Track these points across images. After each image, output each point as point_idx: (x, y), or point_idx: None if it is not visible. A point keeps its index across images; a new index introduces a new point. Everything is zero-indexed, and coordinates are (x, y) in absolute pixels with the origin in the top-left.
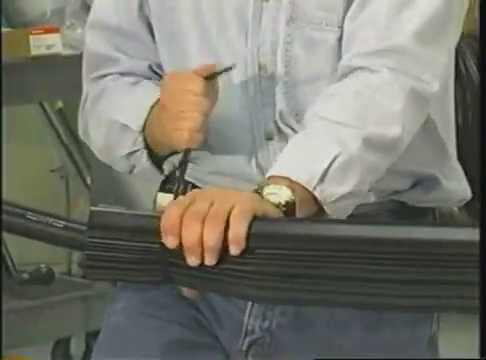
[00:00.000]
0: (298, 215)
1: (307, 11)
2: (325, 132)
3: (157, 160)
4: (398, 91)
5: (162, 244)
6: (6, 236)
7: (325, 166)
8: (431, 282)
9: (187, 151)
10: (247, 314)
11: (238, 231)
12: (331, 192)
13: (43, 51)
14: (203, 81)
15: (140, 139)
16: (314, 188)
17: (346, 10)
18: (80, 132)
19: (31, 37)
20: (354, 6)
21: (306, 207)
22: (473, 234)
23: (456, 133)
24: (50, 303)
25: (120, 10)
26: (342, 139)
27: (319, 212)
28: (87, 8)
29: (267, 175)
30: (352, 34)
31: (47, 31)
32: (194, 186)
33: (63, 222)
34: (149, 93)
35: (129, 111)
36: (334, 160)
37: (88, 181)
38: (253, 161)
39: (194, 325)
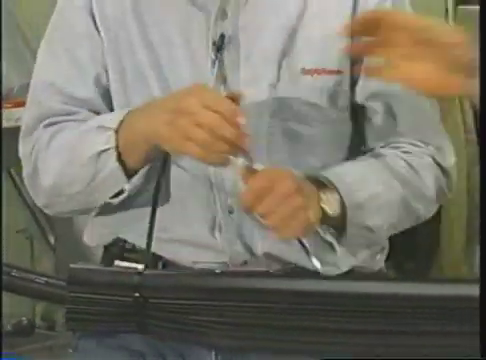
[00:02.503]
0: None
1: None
2: (377, 167)
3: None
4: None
5: (142, 297)
6: None
7: (368, 196)
8: (379, 332)
9: (167, 156)
10: None
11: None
12: (362, 216)
13: (12, 124)
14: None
15: (113, 137)
16: (352, 206)
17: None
18: (26, 180)
19: (4, 111)
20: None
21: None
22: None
23: None
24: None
25: (75, 82)
26: (389, 182)
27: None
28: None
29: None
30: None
31: (15, 105)
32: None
33: (44, 278)
34: (122, 111)
35: (103, 117)
36: (377, 196)
37: (51, 241)
38: (216, 232)
39: None
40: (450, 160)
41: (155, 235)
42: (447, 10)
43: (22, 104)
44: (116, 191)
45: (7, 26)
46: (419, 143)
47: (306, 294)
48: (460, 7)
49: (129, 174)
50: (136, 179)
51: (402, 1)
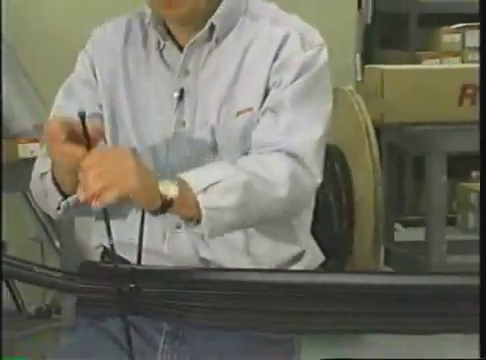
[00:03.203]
0: (175, 212)
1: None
2: (225, 166)
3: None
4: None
5: (136, 287)
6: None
7: (212, 182)
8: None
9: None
10: (158, 351)
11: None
12: (210, 199)
13: (28, 155)
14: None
15: (50, 163)
16: (198, 192)
17: None
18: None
19: (19, 145)
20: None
21: (185, 208)
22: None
23: None
24: (32, 332)
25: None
26: (233, 172)
27: (194, 218)
28: None
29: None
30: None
31: (30, 141)
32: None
33: (59, 273)
34: None
35: None
36: (219, 181)
37: (57, 246)
38: (165, 244)
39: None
40: (313, 170)
41: (120, 241)
42: (355, 68)
43: (36, 141)
44: (57, 205)
45: (7, 59)
46: (282, 150)
47: (270, 284)
48: (367, 66)
49: (65, 194)
50: (70, 199)
51: (314, 57)
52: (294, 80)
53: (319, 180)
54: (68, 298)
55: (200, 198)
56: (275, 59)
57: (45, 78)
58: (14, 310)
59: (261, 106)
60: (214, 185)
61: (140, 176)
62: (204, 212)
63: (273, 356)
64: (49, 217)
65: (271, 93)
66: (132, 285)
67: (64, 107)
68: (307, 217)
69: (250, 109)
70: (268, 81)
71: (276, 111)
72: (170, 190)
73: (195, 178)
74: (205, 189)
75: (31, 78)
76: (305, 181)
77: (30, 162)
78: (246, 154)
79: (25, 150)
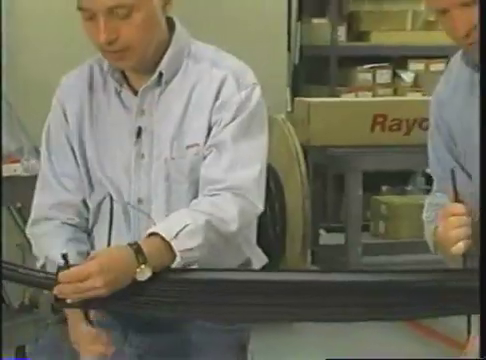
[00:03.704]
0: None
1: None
2: (187, 212)
3: None
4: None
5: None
6: None
7: (179, 228)
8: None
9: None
10: (126, 343)
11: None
12: (181, 243)
13: (11, 173)
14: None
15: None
16: (171, 239)
17: None
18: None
19: (3, 165)
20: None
21: (162, 265)
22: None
23: None
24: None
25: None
26: (194, 216)
27: (171, 260)
28: (36, 149)
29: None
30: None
31: (12, 162)
32: None
33: (42, 273)
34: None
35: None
36: (186, 226)
37: None
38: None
39: None
40: (256, 202)
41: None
42: (286, 100)
43: (17, 161)
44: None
45: None
46: (229, 188)
47: (220, 281)
48: (296, 99)
49: None
50: None
51: (248, 96)
52: (233, 119)
53: (261, 208)
54: (45, 295)
55: (173, 243)
56: (215, 100)
57: (25, 111)
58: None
59: (206, 141)
60: (182, 230)
61: (111, 285)
62: (178, 254)
63: (226, 343)
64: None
65: (213, 131)
66: None
67: (53, 164)
68: (252, 234)
69: (197, 144)
70: (211, 120)
71: (219, 149)
72: (145, 274)
73: (165, 228)
74: (175, 236)
75: (14, 111)
76: (250, 213)
77: (12, 180)
78: (194, 184)
79: (9, 169)
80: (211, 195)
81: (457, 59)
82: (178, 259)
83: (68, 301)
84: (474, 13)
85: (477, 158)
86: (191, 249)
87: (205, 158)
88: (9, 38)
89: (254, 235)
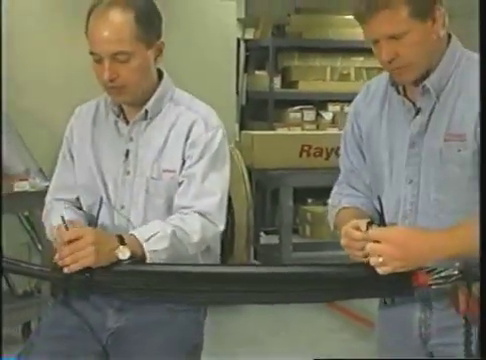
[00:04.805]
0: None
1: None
2: (159, 223)
3: None
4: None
5: (89, 276)
6: None
7: (151, 234)
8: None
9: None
10: (108, 319)
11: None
12: (151, 245)
13: (21, 189)
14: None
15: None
16: (143, 241)
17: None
18: (43, 219)
19: (14, 183)
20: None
21: (135, 253)
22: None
23: None
24: (22, 305)
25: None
26: (164, 227)
27: (141, 256)
28: (41, 170)
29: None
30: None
31: (21, 180)
32: None
33: (37, 267)
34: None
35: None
36: (156, 233)
37: (39, 248)
38: None
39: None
40: (217, 223)
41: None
42: (235, 132)
43: (25, 179)
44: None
45: (7, 127)
46: (196, 212)
47: (181, 272)
48: (243, 132)
49: None
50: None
51: (213, 136)
52: (201, 155)
53: (221, 227)
54: (45, 283)
55: (145, 245)
56: (187, 138)
57: (31, 139)
58: (7, 291)
59: (181, 169)
60: (153, 236)
61: (99, 254)
62: (147, 254)
63: (186, 319)
64: (34, 230)
65: (186, 164)
66: (87, 274)
67: (61, 174)
68: (217, 244)
69: (174, 171)
70: (184, 153)
71: (190, 181)
72: (125, 253)
73: (140, 232)
74: (147, 240)
75: (22, 139)
76: (211, 230)
77: (21, 194)
78: (168, 200)
79: (19, 186)
80: (182, 214)
81: (375, 81)
82: (147, 258)
83: (65, 270)
84: (399, 44)
85: (375, 151)
86: (157, 251)
87: (180, 185)
88: (13, 81)
89: (218, 247)
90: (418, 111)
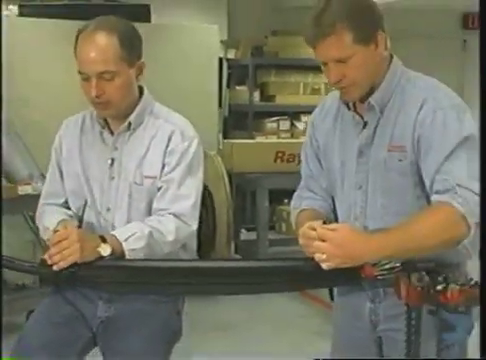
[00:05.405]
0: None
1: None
2: (137, 224)
3: None
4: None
5: (73, 272)
6: None
7: (130, 234)
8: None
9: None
10: (98, 309)
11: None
12: (129, 244)
13: (24, 192)
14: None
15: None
16: (122, 240)
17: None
18: (37, 221)
19: (19, 187)
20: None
21: (115, 252)
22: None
23: None
24: (23, 295)
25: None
26: (142, 227)
27: (121, 253)
28: (42, 175)
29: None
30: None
31: (25, 184)
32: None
33: (29, 263)
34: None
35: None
36: (134, 233)
37: (43, 245)
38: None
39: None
40: (190, 223)
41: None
42: (218, 141)
43: (28, 184)
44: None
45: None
46: (171, 213)
47: (161, 267)
48: (224, 140)
49: None
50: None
51: (189, 146)
52: (178, 162)
53: (194, 227)
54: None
55: (124, 244)
56: (166, 147)
57: (34, 146)
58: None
59: (161, 175)
60: (131, 236)
61: (84, 251)
62: (126, 252)
63: (166, 308)
64: (37, 228)
65: (165, 170)
66: (72, 270)
67: (51, 183)
68: (192, 242)
69: (154, 177)
70: (163, 161)
71: (168, 186)
72: (106, 250)
73: (120, 233)
74: (126, 239)
75: (26, 147)
76: (184, 230)
77: (25, 196)
78: (149, 203)
79: (22, 189)
80: (159, 216)
81: (330, 97)
82: (126, 255)
83: (54, 268)
84: (345, 67)
85: (330, 160)
86: (135, 249)
87: (159, 190)
88: (19, 94)
89: (194, 244)
90: (365, 124)
